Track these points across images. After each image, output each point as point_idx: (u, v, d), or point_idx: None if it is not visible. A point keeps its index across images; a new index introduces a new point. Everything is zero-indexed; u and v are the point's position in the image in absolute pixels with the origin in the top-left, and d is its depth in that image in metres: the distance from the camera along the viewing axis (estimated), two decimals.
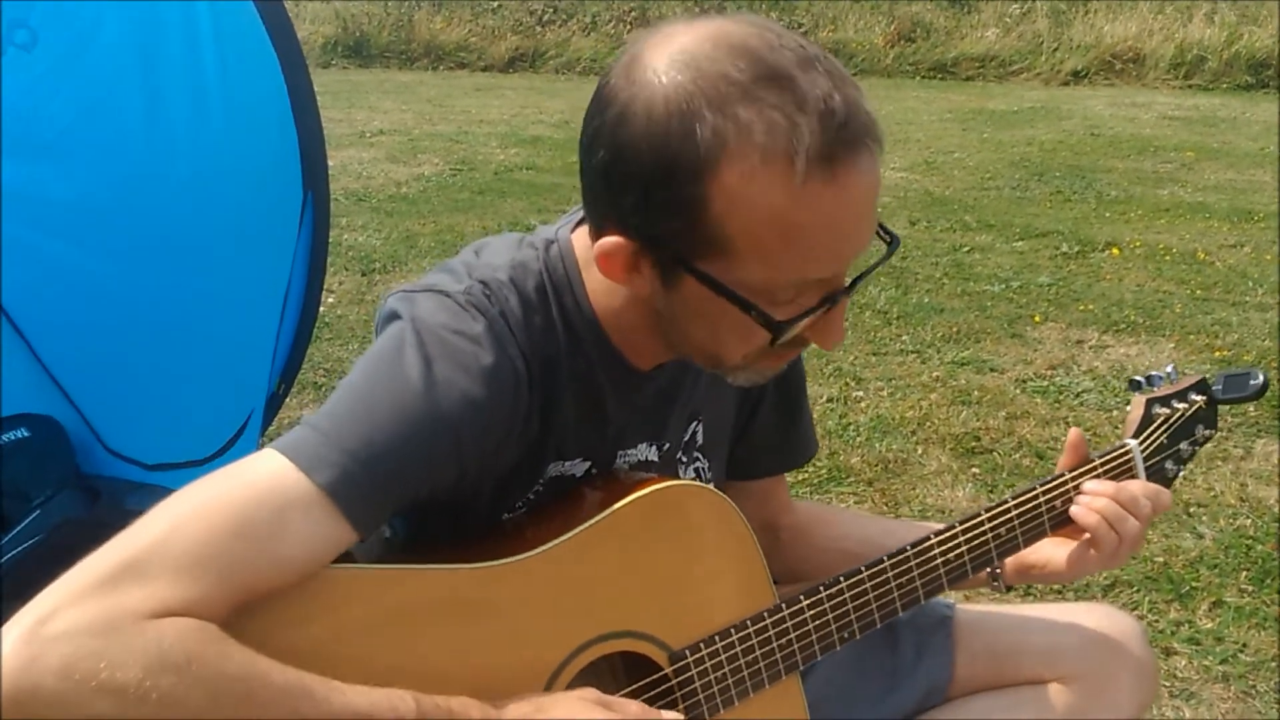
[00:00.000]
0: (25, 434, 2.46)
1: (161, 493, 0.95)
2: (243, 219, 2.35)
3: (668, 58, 0.94)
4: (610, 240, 1.00)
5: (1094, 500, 1.27)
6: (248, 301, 2.38)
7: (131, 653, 0.84)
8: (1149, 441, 1.37)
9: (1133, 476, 1.34)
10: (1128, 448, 1.35)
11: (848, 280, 1.02)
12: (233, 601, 0.91)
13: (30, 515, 2.30)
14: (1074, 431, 1.33)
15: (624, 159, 0.95)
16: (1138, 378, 1.41)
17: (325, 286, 4.58)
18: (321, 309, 4.32)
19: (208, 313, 2.39)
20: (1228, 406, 1.45)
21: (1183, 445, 1.39)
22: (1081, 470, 1.31)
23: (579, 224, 1.13)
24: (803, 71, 0.92)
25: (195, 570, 0.89)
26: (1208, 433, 1.42)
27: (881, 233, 1.03)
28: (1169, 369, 1.42)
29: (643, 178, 0.94)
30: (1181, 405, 1.39)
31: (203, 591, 0.89)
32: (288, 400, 2.84)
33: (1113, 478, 1.32)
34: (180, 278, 2.38)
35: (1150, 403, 1.38)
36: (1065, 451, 1.33)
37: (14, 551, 2.22)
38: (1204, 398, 1.41)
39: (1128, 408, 1.42)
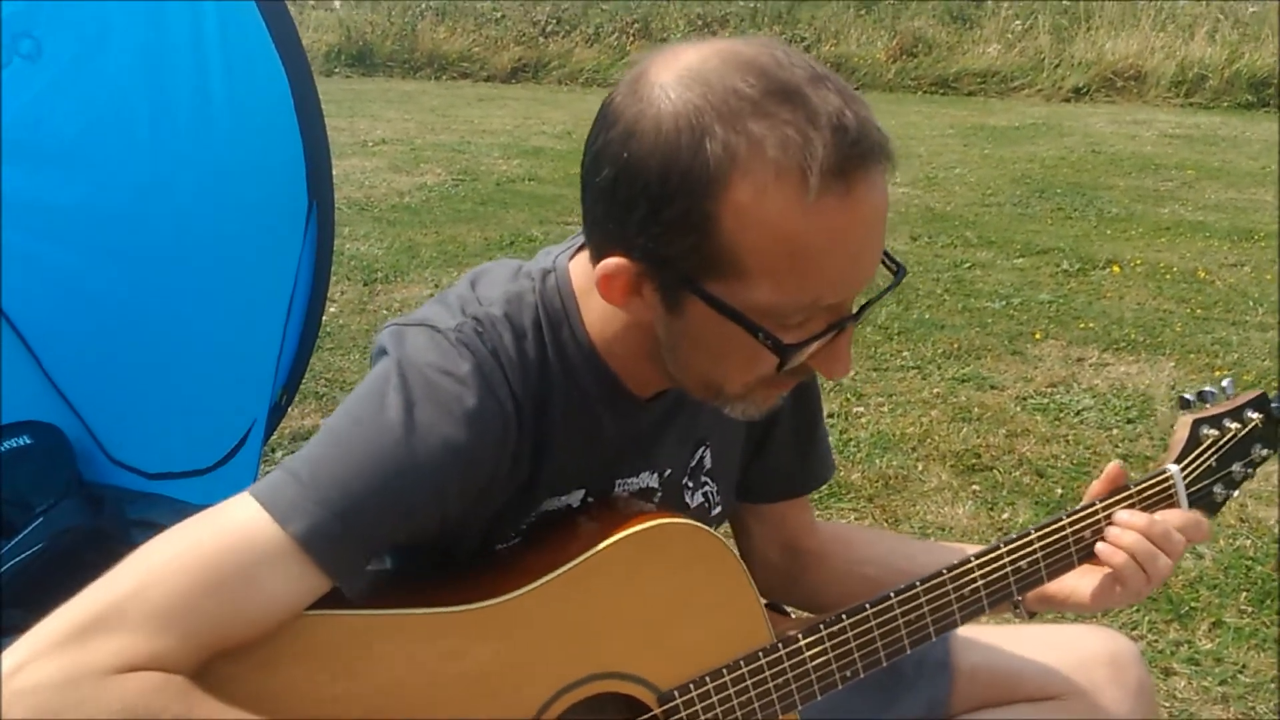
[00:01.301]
0: (28, 441, 2.47)
1: (163, 502, 0.95)
2: (247, 228, 2.35)
3: (675, 74, 0.92)
4: (613, 262, 0.97)
5: (1123, 535, 1.20)
6: (251, 311, 2.39)
7: (95, 708, 0.85)
8: (1193, 466, 1.27)
9: (1173, 504, 1.26)
10: (1168, 474, 1.26)
11: (854, 308, 1.00)
12: (202, 654, 0.90)
13: (33, 523, 2.30)
14: (1114, 465, 1.26)
15: (630, 176, 0.92)
16: (1188, 395, 1.30)
17: (327, 296, 4.60)
18: (323, 318, 4.34)
19: (211, 322, 2.39)
20: None
21: (1235, 467, 1.29)
22: (1114, 500, 1.23)
23: (578, 251, 1.11)
24: (813, 88, 0.90)
25: (164, 624, 0.88)
26: (1265, 453, 1.30)
27: (887, 261, 1.01)
28: (1225, 383, 1.30)
29: (650, 194, 0.91)
30: (1234, 425, 1.29)
31: (171, 645, 0.88)
32: (290, 410, 2.85)
33: (1150, 506, 1.25)
34: (184, 287, 2.38)
35: (1197, 424, 1.28)
36: (1099, 482, 1.26)
37: (17, 559, 2.22)
38: (1261, 415, 1.29)
39: (1173, 428, 1.32)
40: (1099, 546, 1.21)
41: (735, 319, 0.95)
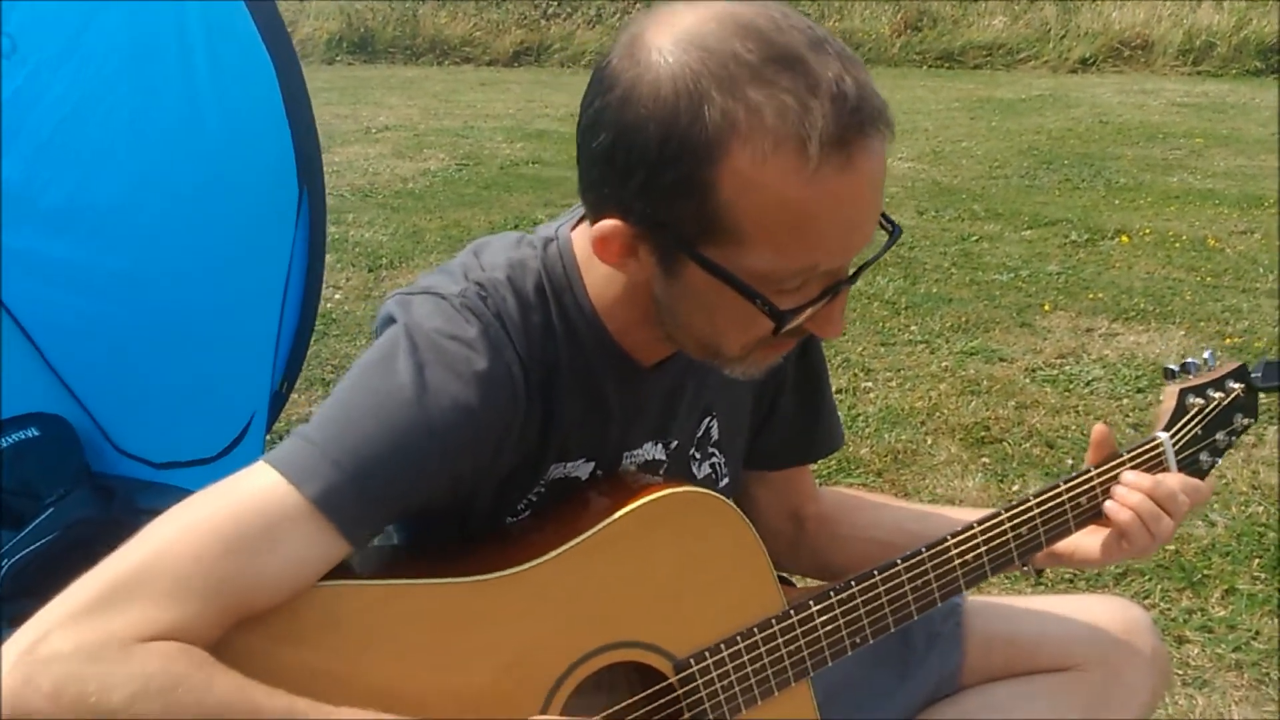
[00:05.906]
0: (35, 433, 2.48)
1: (173, 491, 0.95)
2: (240, 217, 2.35)
3: (673, 37, 0.91)
4: (609, 224, 0.97)
5: (1129, 495, 1.23)
6: (247, 300, 2.39)
7: (118, 677, 0.85)
8: (1181, 433, 1.31)
9: (1164, 470, 1.29)
10: (1158, 441, 1.30)
11: (850, 270, 1.00)
12: (223, 620, 0.91)
13: (43, 513, 2.30)
14: (1100, 428, 1.28)
15: (629, 140, 0.92)
16: (1171, 366, 1.34)
17: (333, 283, 4.61)
18: (329, 305, 4.34)
19: (208, 313, 2.40)
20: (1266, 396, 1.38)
21: (1219, 435, 1.34)
22: (1109, 466, 1.26)
23: (580, 221, 1.11)
24: (813, 54, 0.89)
25: (184, 591, 0.89)
26: (1246, 421, 1.36)
27: (884, 222, 1.01)
28: (1206, 354, 1.35)
29: (648, 159, 0.91)
30: (1218, 394, 1.33)
31: (192, 612, 0.89)
32: (297, 397, 2.85)
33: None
34: (180, 277, 2.39)
35: (1184, 393, 1.32)
36: (1091, 449, 1.29)
37: (27, 549, 2.23)
38: (1242, 385, 1.35)
39: (1160, 398, 1.36)
40: (1107, 505, 1.25)
41: (732, 284, 0.95)
